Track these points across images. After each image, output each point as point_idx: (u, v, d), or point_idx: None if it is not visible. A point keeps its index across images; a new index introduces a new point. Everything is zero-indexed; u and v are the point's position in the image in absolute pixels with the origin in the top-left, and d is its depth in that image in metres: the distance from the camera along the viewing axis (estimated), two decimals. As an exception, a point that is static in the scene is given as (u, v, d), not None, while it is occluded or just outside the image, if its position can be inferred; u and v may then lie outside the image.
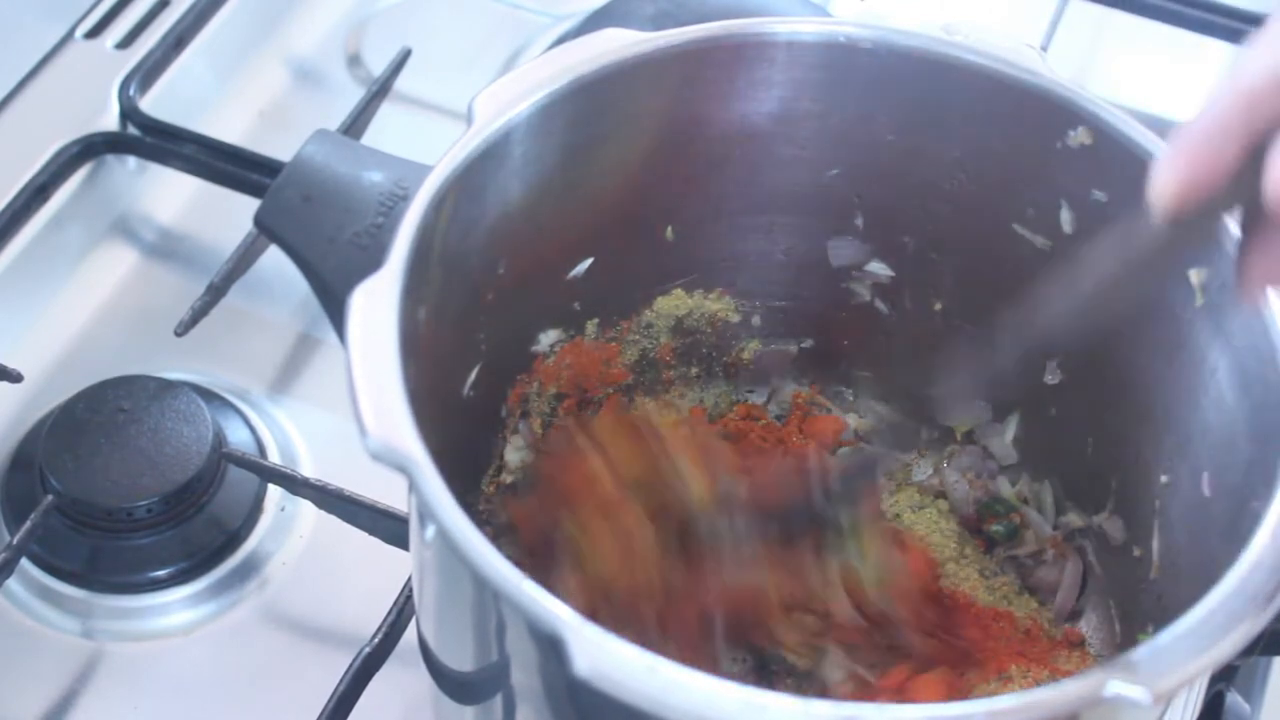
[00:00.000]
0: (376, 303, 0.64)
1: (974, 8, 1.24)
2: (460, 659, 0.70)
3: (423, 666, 0.75)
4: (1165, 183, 0.60)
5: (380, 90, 1.12)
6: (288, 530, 0.94)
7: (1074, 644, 0.81)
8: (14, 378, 0.97)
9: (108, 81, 1.11)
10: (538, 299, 0.81)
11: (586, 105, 0.75)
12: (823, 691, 0.76)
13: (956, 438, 0.88)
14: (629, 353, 0.86)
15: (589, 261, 0.81)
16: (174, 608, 0.90)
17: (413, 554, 0.74)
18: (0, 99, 1.11)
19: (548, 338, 0.83)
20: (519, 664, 0.65)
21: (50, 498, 0.89)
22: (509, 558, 0.59)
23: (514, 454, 0.84)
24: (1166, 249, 0.63)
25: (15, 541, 0.87)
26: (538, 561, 0.76)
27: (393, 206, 0.77)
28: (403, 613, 0.85)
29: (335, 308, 0.73)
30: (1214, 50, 1.17)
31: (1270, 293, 0.67)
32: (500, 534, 0.81)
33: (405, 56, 1.15)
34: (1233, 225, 0.62)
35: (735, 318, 0.88)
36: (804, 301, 0.87)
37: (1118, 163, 0.74)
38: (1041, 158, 0.76)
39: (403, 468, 0.60)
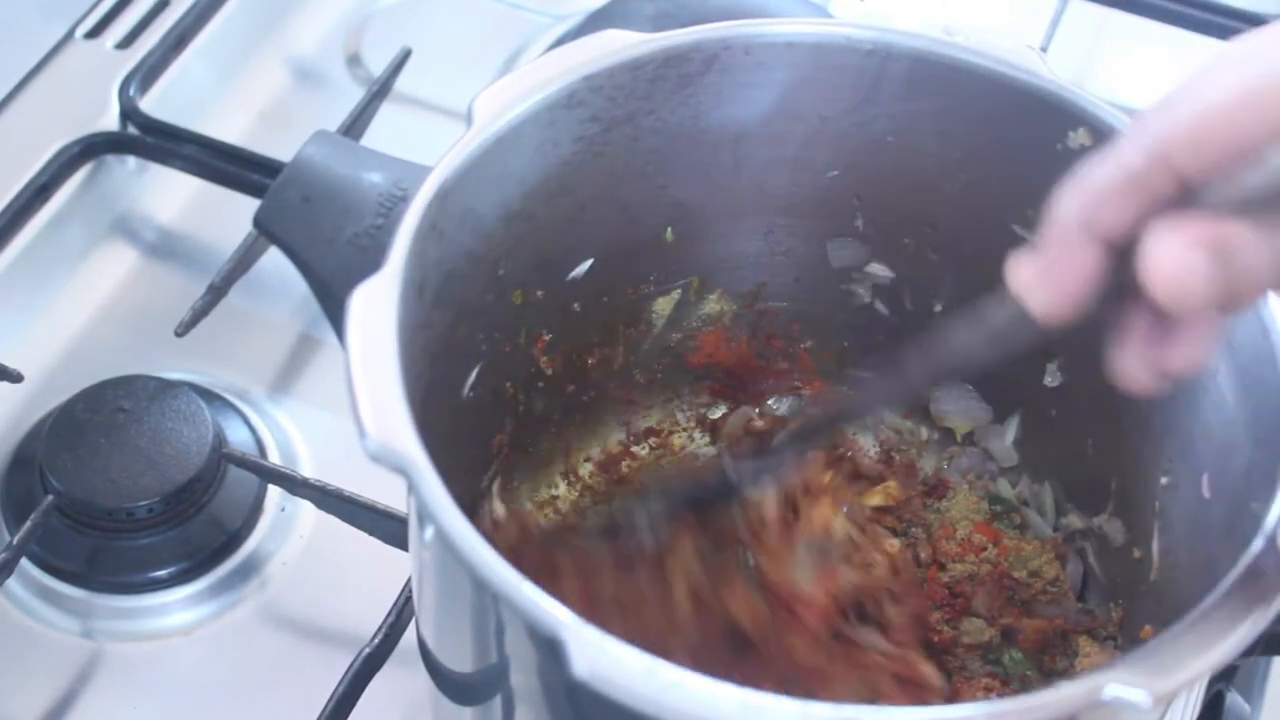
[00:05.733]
0: (376, 303, 0.64)
1: (974, 8, 1.24)
2: (459, 660, 0.70)
3: (422, 667, 0.75)
4: (1040, 301, 0.59)
5: (380, 90, 1.12)
6: (288, 530, 0.94)
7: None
8: (14, 378, 0.97)
9: (108, 81, 1.12)
10: (538, 299, 0.80)
11: (586, 106, 0.75)
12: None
13: (957, 439, 0.88)
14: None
15: (589, 261, 0.81)
16: (174, 608, 0.91)
17: (412, 555, 0.74)
18: (0, 99, 1.11)
19: (548, 338, 0.83)
20: (518, 665, 0.65)
21: (50, 498, 0.89)
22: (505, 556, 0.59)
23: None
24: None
25: (15, 541, 0.87)
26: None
27: (392, 207, 0.77)
28: (402, 613, 0.85)
29: (335, 308, 0.73)
30: (1214, 50, 1.17)
31: (1270, 294, 0.67)
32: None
33: (405, 56, 1.15)
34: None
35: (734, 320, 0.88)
36: (804, 303, 0.87)
37: (1118, 164, 0.74)
38: (1041, 158, 0.76)
39: (401, 469, 0.60)
